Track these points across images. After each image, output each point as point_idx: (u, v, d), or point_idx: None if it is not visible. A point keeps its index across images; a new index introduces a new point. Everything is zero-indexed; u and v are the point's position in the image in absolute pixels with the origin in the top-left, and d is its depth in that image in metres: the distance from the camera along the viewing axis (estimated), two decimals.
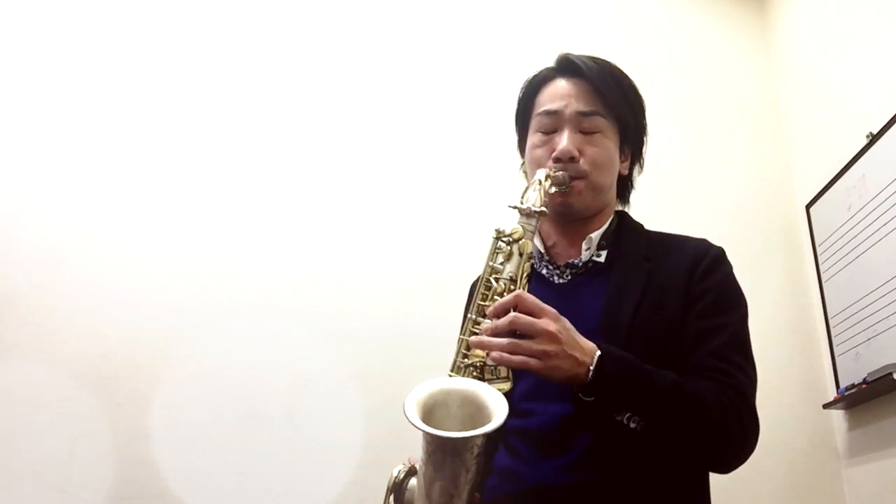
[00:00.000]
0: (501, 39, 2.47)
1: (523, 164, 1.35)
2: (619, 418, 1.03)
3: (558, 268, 1.25)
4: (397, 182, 2.24)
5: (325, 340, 2.01)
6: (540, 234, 1.29)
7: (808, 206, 2.50)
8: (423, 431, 0.88)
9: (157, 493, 1.79)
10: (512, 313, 0.99)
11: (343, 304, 2.06)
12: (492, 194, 2.22)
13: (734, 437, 1.09)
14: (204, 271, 1.99)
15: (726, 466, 1.12)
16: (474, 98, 2.37)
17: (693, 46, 2.73)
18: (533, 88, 1.31)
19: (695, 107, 2.65)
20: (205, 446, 1.85)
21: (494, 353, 0.99)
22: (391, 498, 1.04)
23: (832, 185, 2.36)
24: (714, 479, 1.17)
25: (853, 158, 2.24)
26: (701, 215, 2.45)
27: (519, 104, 1.35)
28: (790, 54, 2.70)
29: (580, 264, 1.24)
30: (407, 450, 1.85)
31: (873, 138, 2.15)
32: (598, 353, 1.01)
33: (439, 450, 0.91)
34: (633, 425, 1.02)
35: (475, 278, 1.43)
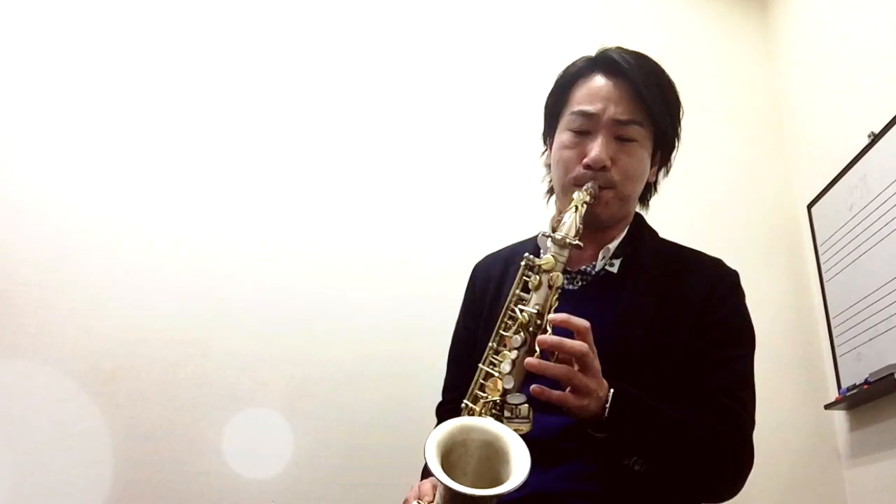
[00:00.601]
0: (501, 39, 2.46)
1: (545, 152, 1.31)
2: (626, 462, 1.03)
3: (569, 273, 1.22)
4: (398, 181, 2.23)
5: (324, 341, 2.01)
6: None
7: (809, 206, 2.50)
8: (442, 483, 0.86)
9: (156, 494, 1.78)
10: (585, 345, 0.96)
11: (343, 304, 2.05)
12: (492, 193, 2.22)
13: (731, 476, 1.11)
14: (203, 271, 1.98)
15: (718, 499, 1.14)
16: (473, 95, 2.36)
17: (694, 45, 2.72)
18: (568, 81, 1.25)
19: (695, 106, 2.60)
20: (203, 447, 1.84)
21: (536, 388, 0.97)
22: None
23: (834, 184, 2.35)
24: None
25: (855, 158, 2.23)
26: (702, 215, 2.45)
27: (551, 95, 1.28)
28: (791, 53, 2.70)
29: (593, 272, 1.22)
30: (407, 451, 1.85)
31: (875, 138, 2.14)
32: (612, 391, 1.00)
33: (457, 501, 0.89)
34: (637, 468, 1.03)
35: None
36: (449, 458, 0.90)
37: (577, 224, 1.08)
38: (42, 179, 1.94)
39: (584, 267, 1.22)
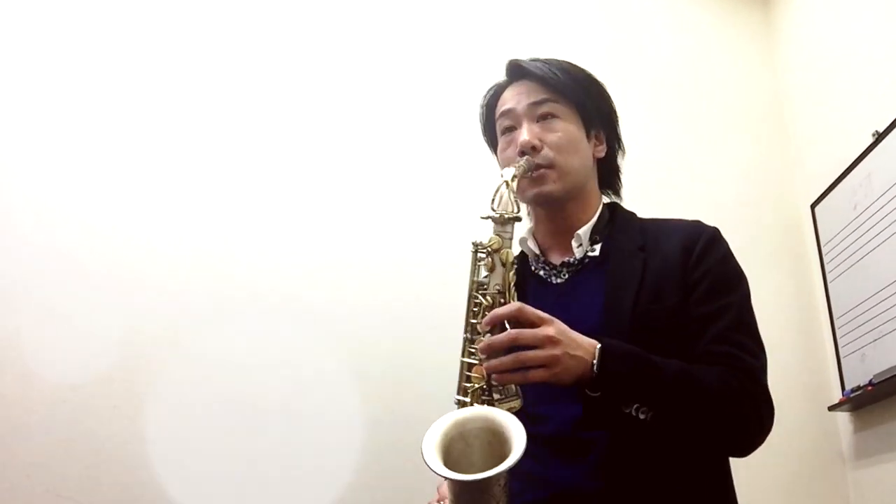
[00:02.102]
0: (504, 42, 2.44)
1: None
2: (626, 411, 1.01)
3: (555, 268, 1.24)
4: (397, 180, 2.21)
5: (324, 341, 1.99)
6: (535, 236, 1.30)
7: (813, 206, 2.48)
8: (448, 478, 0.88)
9: (153, 497, 1.77)
10: (513, 331, 0.98)
11: (342, 304, 2.04)
12: (491, 193, 2.21)
13: (747, 420, 1.07)
14: (201, 271, 1.97)
15: (742, 450, 1.10)
16: (472, 95, 2.34)
17: (696, 43, 2.71)
18: (491, 102, 1.35)
19: (698, 105, 2.62)
20: (202, 448, 1.83)
21: (496, 376, 0.99)
22: None
23: (837, 184, 2.33)
24: None
25: (859, 157, 2.22)
26: (704, 215, 2.37)
27: (483, 121, 1.38)
28: (794, 51, 2.68)
29: (575, 262, 1.23)
30: (406, 453, 1.84)
31: (879, 136, 2.13)
32: (599, 346, 1.00)
33: (466, 491, 0.91)
34: (642, 416, 1.00)
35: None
36: (451, 455, 0.91)
37: (512, 199, 1.12)
38: (39, 179, 1.92)
39: (565, 259, 1.24)
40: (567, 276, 1.23)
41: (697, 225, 1.25)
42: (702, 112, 2.62)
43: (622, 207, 1.34)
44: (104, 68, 2.06)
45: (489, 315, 1.01)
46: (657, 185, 2.36)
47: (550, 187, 1.21)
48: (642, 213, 1.36)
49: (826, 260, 2.39)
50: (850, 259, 2.25)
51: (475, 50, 2.41)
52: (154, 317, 1.89)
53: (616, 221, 1.27)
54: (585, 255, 1.22)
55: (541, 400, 1.10)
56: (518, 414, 1.12)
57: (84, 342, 1.82)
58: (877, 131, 2.14)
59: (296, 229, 2.09)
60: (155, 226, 1.98)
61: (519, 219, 1.11)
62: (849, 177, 2.27)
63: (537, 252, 1.28)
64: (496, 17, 2.49)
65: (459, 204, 2.23)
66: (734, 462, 1.17)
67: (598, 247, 1.23)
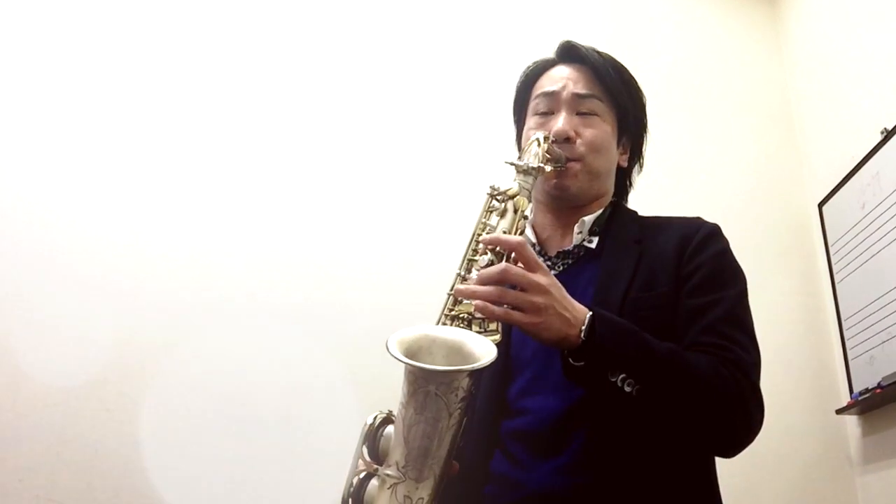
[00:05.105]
0: (508, 42, 2.42)
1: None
2: (612, 380, 0.96)
3: (550, 259, 1.22)
4: (394, 182, 2.20)
5: (320, 343, 1.98)
6: (533, 227, 1.27)
7: (820, 205, 2.45)
8: (407, 367, 0.85)
9: (147, 501, 1.75)
10: (503, 263, 0.95)
11: (339, 306, 2.03)
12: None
13: (735, 412, 1.03)
14: (196, 273, 1.96)
15: (726, 447, 1.06)
16: (470, 95, 2.33)
17: (704, 41, 2.69)
18: (532, 76, 1.29)
19: (705, 103, 2.61)
20: (196, 452, 1.82)
21: (478, 303, 0.94)
22: (364, 446, 0.97)
23: (845, 182, 2.30)
24: (722, 485, 1.12)
25: (867, 155, 2.19)
26: (710, 214, 2.34)
27: (517, 93, 1.31)
28: (802, 49, 2.66)
29: (572, 251, 1.21)
30: None
31: (888, 135, 2.10)
32: (590, 314, 0.96)
33: (422, 389, 0.87)
34: (627, 389, 0.96)
35: None
36: (415, 360, 0.88)
37: (541, 155, 1.11)
38: (32, 182, 1.92)
39: (563, 248, 1.22)
40: (562, 267, 1.20)
41: (697, 220, 1.23)
42: (709, 110, 2.61)
43: (623, 205, 1.32)
44: (100, 72, 2.06)
45: (493, 235, 1.00)
46: (664, 183, 2.34)
47: (570, 182, 1.19)
48: (648, 210, 1.34)
49: (834, 260, 2.36)
50: (858, 259, 2.22)
51: (475, 51, 2.39)
52: (148, 320, 1.88)
53: (617, 216, 1.26)
54: (582, 247, 1.21)
55: (525, 392, 1.09)
56: (500, 408, 1.10)
57: (77, 345, 1.82)
58: (885, 129, 2.11)
59: (292, 232, 2.08)
60: (148, 228, 1.97)
61: (543, 170, 1.10)
62: (857, 175, 2.24)
63: (534, 241, 1.26)
64: (496, 16, 2.47)
65: (459, 206, 2.21)
66: (741, 465, 1.14)
67: (595, 239, 1.21)
